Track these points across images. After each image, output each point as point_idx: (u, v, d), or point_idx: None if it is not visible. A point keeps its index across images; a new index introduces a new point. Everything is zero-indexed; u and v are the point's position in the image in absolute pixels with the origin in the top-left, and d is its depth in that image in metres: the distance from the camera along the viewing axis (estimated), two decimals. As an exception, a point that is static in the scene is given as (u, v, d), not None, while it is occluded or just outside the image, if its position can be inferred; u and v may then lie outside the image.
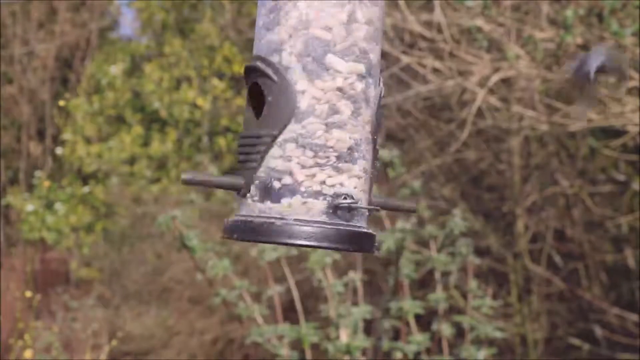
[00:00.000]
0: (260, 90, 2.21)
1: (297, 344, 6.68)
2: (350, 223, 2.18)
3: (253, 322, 6.63)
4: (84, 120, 16.02)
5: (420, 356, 6.61)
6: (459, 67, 7.47)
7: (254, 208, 2.18)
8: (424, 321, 7.18)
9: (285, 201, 2.15)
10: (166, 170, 15.59)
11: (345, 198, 2.15)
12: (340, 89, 2.18)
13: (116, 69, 16.19)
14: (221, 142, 15.56)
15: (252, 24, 14.99)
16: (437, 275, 6.78)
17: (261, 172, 2.17)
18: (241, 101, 15.58)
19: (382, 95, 2.29)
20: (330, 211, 2.14)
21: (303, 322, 6.52)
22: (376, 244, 2.25)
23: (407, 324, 6.65)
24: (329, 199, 2.15)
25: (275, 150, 2.17)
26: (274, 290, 6.57)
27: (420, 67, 7.72)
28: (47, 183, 7.71)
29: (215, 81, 15.62)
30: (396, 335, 7.00)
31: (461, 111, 8.92)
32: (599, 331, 9.83)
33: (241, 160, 2.24)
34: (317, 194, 2.15)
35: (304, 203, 2.15)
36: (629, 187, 9.74)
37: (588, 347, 9.75)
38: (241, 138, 2.25)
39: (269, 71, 2.18)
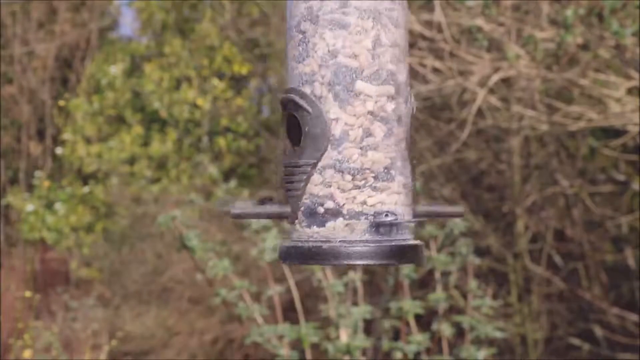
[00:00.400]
0: (296, 121, 2.32)
1: (297, 344, 6.67)
2: (394, 238, 2.29)
3: (253, 322, 6.63)
4: (84, 120, 16.02)
5: (420, 356, 6.61)
6: (459, 67, 7.47)
7: (303, 233, 2.31)
8: (424, 321, 7.18)
9: (329, 224, 2.27)
10: (166, 170, 15.59)
11: (387, 215, 2.27)
12: (371, 113, 2.29)
13: (116, 69, 16.19)
14: (221, 142, 15.56)
15: (252, 24, 15.00)
16: (437, 275, 6.78)
17: (305, 199, 2.30)
18: (241, 101, 15.59)
19: (413, 111, 2.39)
20: (373, 229, 2.26)
21: (303, 322, 6.52)
22: (422, 254, 2.34)
23: (407, 324, 6.64)
24: (370, 218, 2.27)
25: (316, 177, 2.29)
26: (274, 290, 6.57)
27: (421, 66, 7.72)
28: (46, 183, 7.72)
29: (215, 81, 15.62)
30: (396, 335, 6.99)
31: (461, 111, 8.92)
32: (599, 331, 9.82)
33: (287, 188, 2.36)
34: (358, 215, 2.27)
35: (347, 225, 2.26)
36: (629, 187, 9.74)
37: (588, 347, 9.75)
38: (284, 167, 2.36)
39: (303, 103, 2.29)
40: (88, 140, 16.17)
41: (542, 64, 6.99)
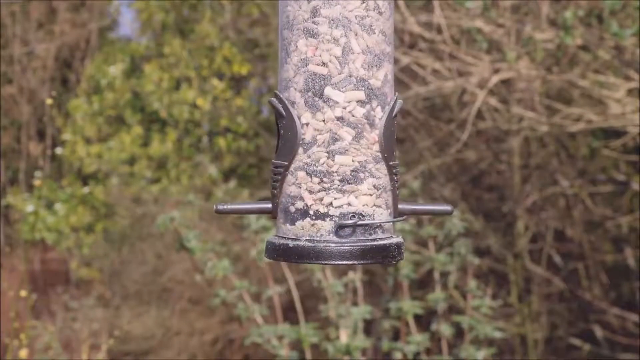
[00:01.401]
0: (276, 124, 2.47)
1: (297, 344, 6.68)
2: (360, 238, 2.39)
3: (253, 323, 6.64)
4: (84, 121, 16.03)
5: (420, 356, 6.62)
6: (458, 68, 7.48)
7: (280, 230, 2.46)
8: (424, 321, 7.19)
9: (298, 224, 2.40)
10: (166, 170, 15.60)
11: (353, 216, 2.38)
12: (340, 118, 2.38)
13: (116, 69, 16.19)
14: (221, 142, 15.56)
15: (252, 24, 15.00)
16: (437, 275, 6.79)
17: (282, 198, 2.44)
18: (241, 101, 15.59)
19: (394, 113, 2.45)
20: (337, 229, 2.37)
21: (303, 323, 6.53)
22: (392, 253, 2.41)
23: (407, 324, 6.65)
24: (335, 219, 2.38)
25: (289, 178, 2.42)
26: (274, 291, 6.58)
27: (420, 68, 7.73)
28: (38, 182, 7.70)
29: (215, 81, 15.62)
30: (396, 335, 7.00)
31: (461, 112, 8.93)
32: (599, 331, 9.83)
33: (271, 186, 2.50)
34: (324, 216, 2.38)
35: (313, 225, 2.38)
36: (629, 187, 9.75)
37: (588, 347, 9.75)
38: (271, 167, 2.50)
39: (280, 107, 2.42)
40: (88, 141, 16.17)
41: (542, 65, 6.99)
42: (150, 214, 12.49)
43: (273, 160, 2.46)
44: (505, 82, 8.21)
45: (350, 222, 2.36)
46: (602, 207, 9.98)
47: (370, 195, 2.40)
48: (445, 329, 6.59)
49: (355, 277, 6.63)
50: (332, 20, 2.37)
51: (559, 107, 7.91)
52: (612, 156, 9.38)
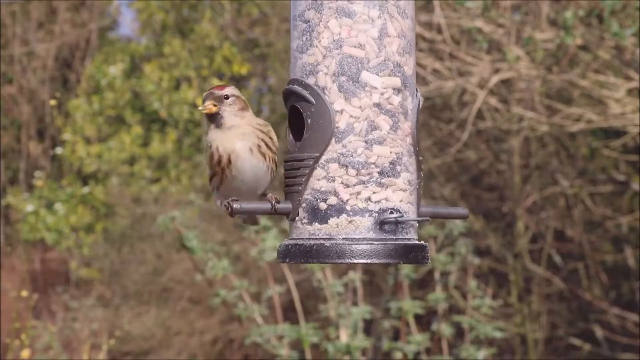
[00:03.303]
0: (299, 113, 2.26)
1: (297, 344, 6.68)
2: (399, 236, 2.23)
3: (253, 323, 6.64)
4: (84, 121, 16.02)
5: (420, 356, 6.61)
6: (458, 68, 7.47)
7: (304, 231, 2.25)
8: (424, 321, 7.18)
9: (332, 221, 2.21)
10: (166, 170, 15.59)
11: (391, 212, 2.20)
12: (377, 105, 2.22)
13: (116, 69, 16.19)
14: (221, 142, 15.52)
15: (252, 24, 14.99)
16: (437, 275, 6.79)
17: (307, 195, 2.23)
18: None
19: (420, 105, 2.30)
20: (378, 227, 2.20)
21: (303, 323, 6.52)
22: (427, 254, 2.28)
23: (407, 323, 6.65)
24: (375, 215, 2.20)
25: (318, 172, 2.22)
26: (274, 291, 6.58)
27: (420, 67, 7.73)
28: (40, 182, 7.69)
29: (215, 81, 15.61)
30: (396, 335, 7.00)
31: (461, 112, 8.92)
32: (599, 331, 9.83)
33: (287, 184, 2.29)
34: (363, 211, 2.20)
35: (351, 222, 2.20)
36: (629, 187, 9.74)
37: (588, 347, 9.75)
38: (285, 162, 2.29)
39: (306, 93, 2.23)
40: (88, 141, 16.17)
41: (542, 65, 6.99)
42: (150, 214, 12.48)
43: (294, 155, 2.27)
44: (505, 82, 8.20)
45: (392, 217, 2.20)
46: (602, 207, 9.97)
47: (405, 190, 2.25)
48: (445, 329, 6.58)
49: (355, 277, 6.63)
50: None
51: (559, 107, 7.90)
52: (612, 156, 9.37)
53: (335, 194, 2.22)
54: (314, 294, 7.82)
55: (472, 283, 6.70)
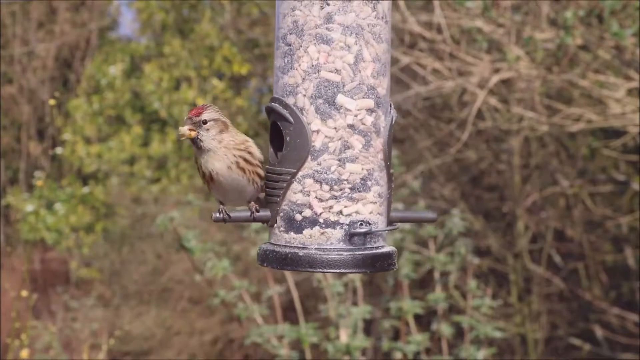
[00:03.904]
0: (279, 130, 2.44)
1: (297, 344, 6.68)
2: (367, 246, 2.41)
3: (253, 323, 6.63)
4: (84, 121, 16.02)
5: (420, 356, 6.61)
6: (459, 68, 7.47)
7: (281, 238, 2.44)
8: (424, 321, 7.18)
9: (306, 232, 2.40)
10: (166, 170, 15.59)
11: (361, 224, 2.40)
12: (351, 126, 2.40)
13: (116, 69, 16.19)
14: (221, 142, 15.51)
15: (252, 24, 14.99)
16: (437, 275, 6.79)
17: (284, 205, 2.43)
18: (241, 101, 15.59)
19: (393, 121, 2.48)
20: (347, 239, 2.39)
21: (303, 323, 6.52)
22: (394, 261, 2.46)
23: (407, 323, 6.65)
24: (345, 227, 2.39)
25: (295, 186, 2.41)
26: (274, 291, 6.58)
27: (420, 67, 7.72)
28: (40, 182, 7.72)
29: (215, 81, 15.62)
30: (396, 335, 7.00)
31: (461, 112, 8.92)
32: (599, 331, 9.83)
33: (268, 194, 2.49)
34: (334, 224, 2.39)
35: (323, 233, 2.39)
36: (629, 187, 9.74)
37: (588, 347, 9.75)
38: (267, 173, 2.49)
39: (286, 113, 2.41)
40: (88, 141, 16.17)
41: (542, 65, 6.99)
42: (150, 214, 12.48)
43: (273, 168, 2.44)
44: (505, 82, 8.20)
45: (362, 230, 2.38)
46: (602, 207, 9.97)
47: (375, 203, 2.42)
48: (445, 329, 6.58)
49: (355, 277, 6.63)
50: (346, 27, 2.37)
51: (559, 107, 7.90)
52: (612, 156, 9.37)
53: (310, 207, 2.40)
54: (314, 294, 7.83)
55: (472, 283, 6.70)
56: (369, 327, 7.80)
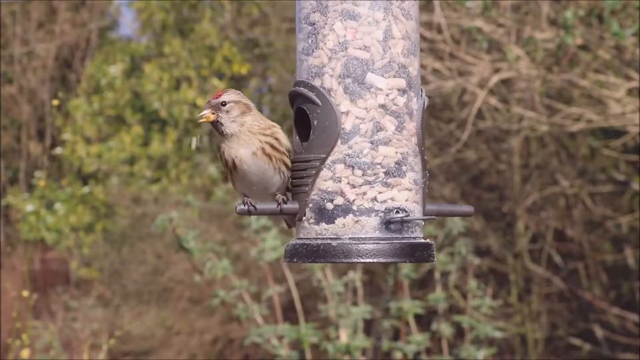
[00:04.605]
0: (305, 115, 2.30)
1: (297, 344, 6.68)
2: (405, 235, 2.27)
3: (253, 323, 6.63)
4: (84, 121, 16.02)
5: (420, 356, 6.61)
6: (459, 68, 7.47)
7: (311, 230, 2.29)
8: (424, 321, 7.18)
9: (339, 221, 2.25)
10: (166, 170, 15.59)
11: (397, 212, 2.25)
12: (382, 106, 2.26)
13: (116, 69, 16.19)
14: (221, 142, 15.50)
15: (252, 24, 14.99)
16: (437, 275, 6.79)
17: (314, 195, 2.27)
18: (241, 101, 15.57)
19: (425, 106, 2.35)
20: (384, 226, 2.24)
21: (303, 323, 6.52)
22: (433, 252, 2.32)
23: (407, 323, 6.65)
24: (381, 214, 2.25)
25: (325, 172, 2.26)
26: (274, 290, 6.58)
27: (421, 67, 7.71)
28: (42, 182, 7.73)
29: (215, 81, 15.61)
30: (396, 334, 7.00)
31: (461, 111, 8.92)
32: (599, 331, 9.82)
33: (294, 184, 2.34)
34: (369, 211, 2.24)
35: (357, 221, 2.24)
36: (629, 187, 9.74)
37: (588, 347, 9.75)
38: (292, 163, 2.34)
39: (312, 95, 2.26)
40: (88, 141, 16.17)
41: (542, 65, 6.99)
42: (150, 214, 12.47)
43: (300, 156, 2.31)
44: (505, 82, 8.20)
45: (398, 216, 2.23)
46: (602, 207, 9.97)
47: (411, 190, 2.28)
48: (445, 329, 6.58)
49: (355, 277, 6.63)
50: (374, 1, 2.25)
51: (559, 107, 7.90)
52: (612, 156, 9.37)
53: (342, 194, 2.25)
54: (314, 294, 7.82)
55: (472, 283, 6.70)
56: (369, 327, 7.80)
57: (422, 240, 2.30)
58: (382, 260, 2.23)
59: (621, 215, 9.68)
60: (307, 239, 2.29)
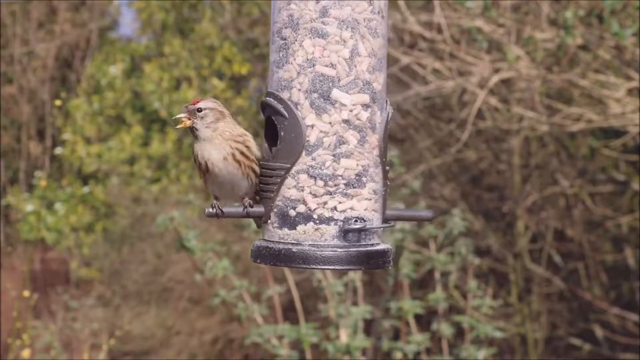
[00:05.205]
0: (274, 125, 2.42)
1: (297, 344, 6.68)
2: (362, 243, 2.38)
3: (253, 323, 6.64)
4: (84, 121, 16.03)
5: (420, 356, 6.62)
6: (459, 68, 7.47)
7: (274, 234, 2.41)
8: (424, 321, 7.18)
9: (300, 228, 2.37)
10: (166, 170, 15.60)
11: (356, 221, 2.36)
12: (346, 121, 2.37)
13: (116, 69, 16.19)
14: (221, 142, 15.50)
15: (252, 24, 14.99)
16: (437, 275, 6.79)
17: (278, 201, 2.39)
18: (241, 101, 15.60)
19: (389, 117, 2.45)
20: (342, 235, 2.35)
21: (303, 322, 6.53)
22: (389, 259, 2.43)
23: (407, 323, 6.65)
24: (340, 223, 2.36)
25: (289, 181, 2.38)
26: (274, 290, 6.58)
27: (420, 67, 7.72)
28: (43, 182, 7.74)
29: (215, 81, 15.62)
30: (396, 335, 7.00)
31: (461, 111, 8.92)
32: (599, 331, 9.83)
33: (262, 189, 2.46)
34: (329, 220, 2.36)
35: (317, 229, 2.36)
36: (629, 187, 9.74)
37: (588, 347, 9.75)
38: (261, 169, 2.46)
39: (280, 107, 2.39)
40: (88, 141, 16.17)
41: (542, 65, 6.99)
42: (150, 213, 12.48)
43: (268, 163, 2.42)
44: (506, 82, 8.20)
45: (356, 226, 2.35)
46: (602, 207, 9.97)
47: (370, 199, 2.40)
48: (445, 329, 6.58)
49: (355, 277, 6.63)
50: (342, 21, 2.35)
51: (559, 107, 7.90)
52: (612, 156, 9.37)
53: (304, 202, 2.37)
54: (314, 294, 7.82)
55: (472, 283, 6.71)
56: (369, 327, 7.80)
57: (379, 248, 2.40)
58: (338, 267, 2.34)
59: (621, 215, 9.69)
60: (270, 241, 2.40)
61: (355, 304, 6.67)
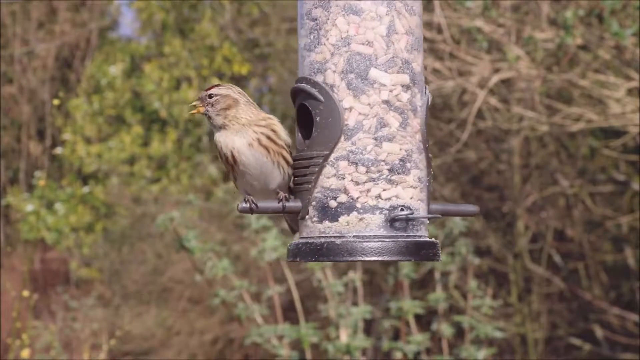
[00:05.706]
0: (307, 112, 2.26)
1: (297, 344, 6.68)
2: (410, 233, 2.23)
3: (253, 323, 6.64)
4: (84, 121, 16.02)
5: (420, 356, 6.61)
6: (459, 68, 7.47)
7: (314, 229, 2.25)
8: (424, 321, 7.18)
9: (343, 219, 2.20)
10: (166, 170, 15.59)
11: (402, 210, 2.20)
12: (386, 102, 2.22)
13: (116, 69, 16.19)
14: (221, 142, 15.49)
15: (252, 24, 14.99)
16: (437, 275, 6.79)
17: (317, 193, 2.23)
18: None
19: (429, 102, 2.31)
20: (388, 224, 2.20)
21: (303, 322, 6.53)
22: (439, 251, 2.28)
23: (407, 323, 6.65)
24: (385, 212, 2.20)
25: (328, 170, 2.22)
26: (274, 290, 6.58)
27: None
28: (42, 182, 7.72)
29: (215, 81, 15.61)
30: (396, 335, 7.00)
31: (461, 111, 8.92)
32: (599, 331, 9.83)
33: (296, 182, 2.29)
34: (373, 209, 2.20)
35: (361, 219, 2.20)
36: (629, 187, 9.74)
37: (588, 347, 9.75)
38: (295, 161, 2.30)
39: (314, 91, 2.23)
40: (88, 140, 16.17)
41: (542, 64, 6.99)
42: (150, 213, 12.47)
43: (302, 153, 2.26)
44: (505, 82, 8.20)
45: (403, 214, 2.19)
46: (602, 207, 9.97)
47: (415, 188, 2.24)
48: (445, 329, 6.59)
49: (355, 276, 6.63)
50: None
51: (559, 107, 7.90)
52: (612, 156, 9.37)
53: (346, 191, 2.21)
54: (314, 294, 7.82)
55: (472, 283, 6.71)
56: (369, 327, 7.80)
57: (428, 239, 2.27)
58: (387, 258, 2.19)
59: (621, 215, 9.69)
60: (310, 237, 2.24)
61: (355, 304, 6.67)
